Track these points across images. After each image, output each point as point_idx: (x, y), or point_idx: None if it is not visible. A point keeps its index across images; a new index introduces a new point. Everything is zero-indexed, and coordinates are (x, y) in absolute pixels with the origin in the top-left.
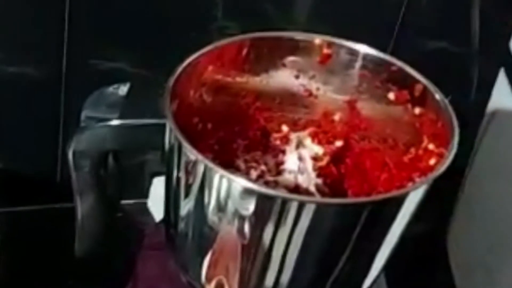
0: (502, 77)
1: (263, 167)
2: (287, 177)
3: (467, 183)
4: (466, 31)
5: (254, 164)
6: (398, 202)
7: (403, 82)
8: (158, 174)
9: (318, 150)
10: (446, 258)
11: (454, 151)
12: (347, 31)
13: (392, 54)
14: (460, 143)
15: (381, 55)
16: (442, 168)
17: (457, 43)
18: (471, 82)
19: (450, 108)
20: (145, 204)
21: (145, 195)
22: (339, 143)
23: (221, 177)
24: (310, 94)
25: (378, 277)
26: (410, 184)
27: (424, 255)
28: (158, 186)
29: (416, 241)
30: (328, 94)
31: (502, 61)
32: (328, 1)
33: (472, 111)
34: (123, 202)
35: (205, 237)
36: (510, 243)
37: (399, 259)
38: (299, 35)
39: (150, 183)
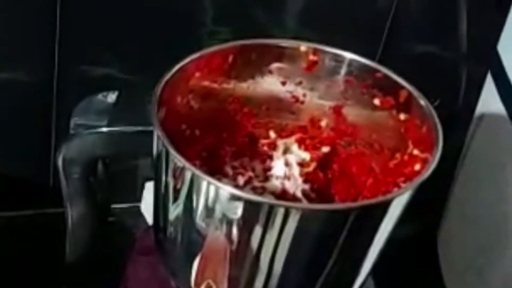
0: (489, 81)
1: (250, 173)
2: (274, 183)
3: (457, 186)
4: (454, 35)
5: (241, 170)
6: (383, 207)
7: (388, 88)
8: (151, 178)
9: (305, 156)
10: (437, 260)
11: (438, 156)
12: (336, 36)
13: (381, 58)
14: (449, 146)
15: (366, 61)
16: (426, 173)
17: (446, 47)
18: (460, 85)
19: (434, 114)
20: (138, 208)
21: (138, 199)
22: (325, 149)
23: (208, 184)
24: (297, 100)
25: (366, 280)
26: (395, 189)
27: (415, 257)
28: (150, 190)
29: (407, 244)
30: (314, 100)
31: (490, 65)
32: (318, 7)
33: (461, 114)
34: (117, 206)
35: (193, 242)
36: (500, 244)
37: (389, 261)
38: (285, 42)
39: (143, 187)
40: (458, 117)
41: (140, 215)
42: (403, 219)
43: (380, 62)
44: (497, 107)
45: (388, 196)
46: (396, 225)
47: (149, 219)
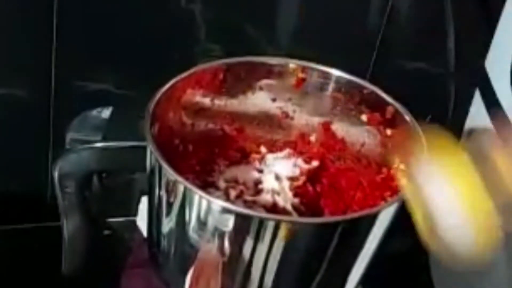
0: (477, 96)
1: (241, 187)
2: (265, 197)
3: None
4: (442, 52)
5: (233, 184)
6: (370, 220)
7: (375, 104)
8: (147, 192)
9: (295, 170)
10: (429, 274)
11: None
12: (329, 54)
13: (372, 75)
14: None
15: (353, 78)
16: None
17: (435, 64)
18: (449, 101)
19: (419, 129)
20: (134, 221)
21: (135, 213)
22: (315, 163)
23: (200, 198)
24: (287, 116)
25: None
26: (382, 202)
27: (408, 271)
28: (146, 204)
29: (400, 258)
30: (304, 116)
31: (477, 81)
32: (309, 25)
33: (450, 129)
34: (114, 220)
35: (186, 254)
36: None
37: (383, 274)
38: (273, 60)
39: (139, 201)
40: (448, 132)
41: (136, 228)
42: (396, 233)
43: (371, 79)
44: (486, 123)
45: (375, 209)
46: (385, 237)
47: (145, 232)
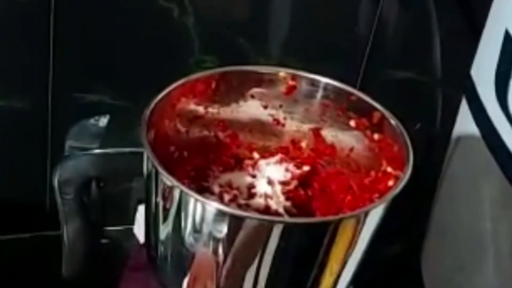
0: (464, 104)
1: (235, 191)
2: (258, 200)
3: (437, 206)
4: (429, 61)
5: (227, 189)
6: (359, 221)
7: (362, 110)
8: (143, 201)
9: (287, 175)
10: (420, 278)
11: (409, 172)
12: (319, 65)
13: (362, 84)
14: (429, 168)
15: (340, 85)
16: (398, 188)
17: (422, 73)
18: (436, 109)
19: (405, 133)
20: (131, 230)
21: (132, 221)
22: (306, 168)
23: (196, 201)
24: (278, 123)
25: None
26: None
27: (400, 275)
28: (143, 212)
29: (392, 261)
30: (294, 122)
31: (464, 89)
32: (300, 36)
33: (438, 137)
34: (111, 228)
35: (183, 258)
36: (478, 261)
37: (376, 278)
38: (264, 69)
39: (136, 210)
40: (436, 139)
41: (133, 236)
42: (387, 236)
43: (360, 88)
44: (472, 129)
45: (363, 209)
46: (374, 238)
47: (142, 240)
